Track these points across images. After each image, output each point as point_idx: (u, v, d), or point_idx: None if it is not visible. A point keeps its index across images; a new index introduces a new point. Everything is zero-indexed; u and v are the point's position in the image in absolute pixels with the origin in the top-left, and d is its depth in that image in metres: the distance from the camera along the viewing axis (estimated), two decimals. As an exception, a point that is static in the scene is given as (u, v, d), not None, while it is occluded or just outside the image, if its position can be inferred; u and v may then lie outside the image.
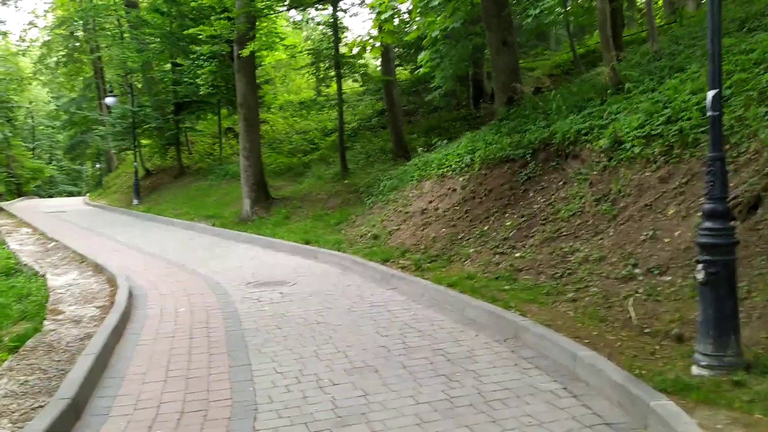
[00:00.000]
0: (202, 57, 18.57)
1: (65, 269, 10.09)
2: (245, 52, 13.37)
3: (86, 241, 13.96)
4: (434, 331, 5.85)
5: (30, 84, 47.00)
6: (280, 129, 26.11)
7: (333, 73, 16.72)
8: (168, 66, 24.45)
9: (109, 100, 23.44)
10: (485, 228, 8.58)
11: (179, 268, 9.92)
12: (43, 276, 9.60)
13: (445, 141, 13.25)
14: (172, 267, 10.02)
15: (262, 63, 26.33)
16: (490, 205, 9.01)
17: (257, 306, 7.13)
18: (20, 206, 27.46)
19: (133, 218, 19.86)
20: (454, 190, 10.13)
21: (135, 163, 24.56)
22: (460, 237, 8.81)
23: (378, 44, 8.92)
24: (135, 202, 23.69)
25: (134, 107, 23.94)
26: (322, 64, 17.01)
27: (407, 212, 10.88)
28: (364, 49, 10.10)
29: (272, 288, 8.12)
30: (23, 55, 43.89)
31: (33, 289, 8.78)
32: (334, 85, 32.03)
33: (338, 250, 10.46)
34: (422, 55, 11.83)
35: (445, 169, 10.99)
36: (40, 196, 50.90)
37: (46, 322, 6.60)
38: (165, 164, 27.97)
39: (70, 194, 53.12)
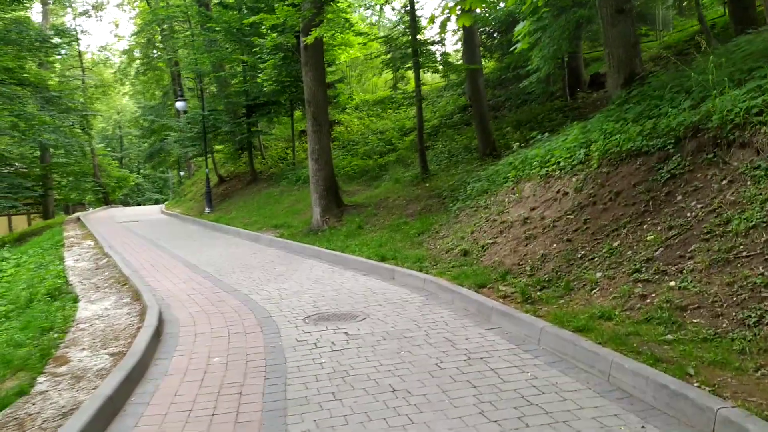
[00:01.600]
0: (265, 50, 17.15)
1: (104, 294, 8.68)
2: (310, 39, 11.71)
3: (143, 256, 12.71)
4: (569, 412, 3.84)
5: (111, 93, 47.86)
6: (355, 130, 24.53)
7: (410, 64, 14.81)
8: (239, 67, 23.35)
9: (179, 105, 22.59)
10: (615, 244, 6.42)
11: (230, 293, 8.30)
12: (77, 302, 8.26)
13: (545, 134, 11.08)
14: (223, 292, 8.41)
15: (336, 61, 24.92)
16: (618, 212, 6.83)
17: (313, 356, 5.31)
18: (98, 216, 27.20)
19: (201, 228, 18.71)
20: (566, 193, 7.99)
21: (206, 170, 23.60)
22: (580, 256, 6.69)
23: (463, 12, 6.91)
24: (207, 210, 22.72)
25: (205, 111, 22.95)
26: (397, 53, 15.04)
27: (504, 222, 8.82)
28: (445, 26, 8.16)
29: (336, 325, 6.29)
30: (104, 64, 44.63)
31: (58, 321, 7.41)
32: (412, 82, 30.27)
33: (420, 270, 8.54)
34: (520, 27, 9.72)
35: (550, 168, 8.86)
36: (128, 204, 51.97)
37: (41, 378, 5.07)
38: (238, 170, 27.01)
39: (157, 202, 53.88)
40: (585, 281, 6.19)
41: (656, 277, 5.52)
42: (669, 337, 4.53)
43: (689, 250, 5.55)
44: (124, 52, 42.22)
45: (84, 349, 5.80)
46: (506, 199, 9.59)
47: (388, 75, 34.10)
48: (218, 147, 28.41)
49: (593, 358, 4.51)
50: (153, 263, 11.56)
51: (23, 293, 10.94)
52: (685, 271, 5.34)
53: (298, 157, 24.43)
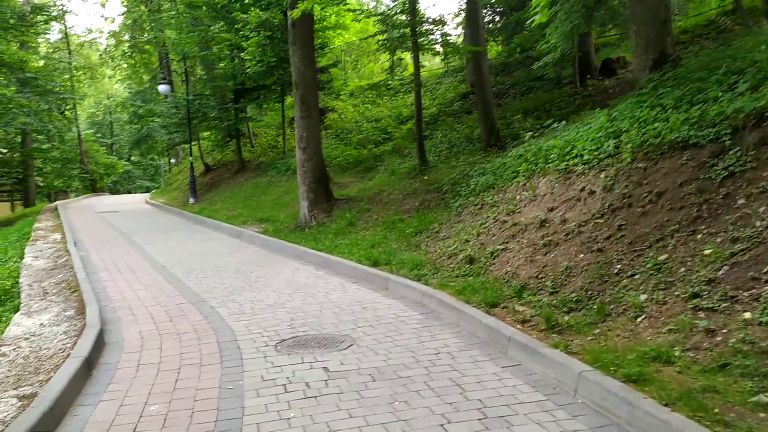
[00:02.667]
0: (249, 28, 15.79)
1: (48, 302, 7.42)
2: (296, 13, 10.40)
3: (110, 253, 11.44)
4: None
5: (100, 77, 46.36)
6: (350, 118, 23.20)
7: (408, 44, 13.50)
8: (227, 49, 21.95)
9: (162, 88, 21.21)
10: (662, 257, 5.19)
11: (195, 304, 7.04)
12: (16, 312, 7.01)
13: (562, 122, 9.82)
14: (187, 303, 7.15)
15: (330, 44, 23.58)
16: (662, 217, 5.60)
17: (279, 405, 4.07)
18: (78, 205, 25.86)
19: (182, 221, 17.42)
20: (592, 192, 6.75)
21: (190, 158, 22.28)
22: (615, 271, 5.45)
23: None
24: (191, 200, 21.44)
25: (189, 95, 21.58)
26: (395, 31, 13.72)
27: (515, 224, 7.58)
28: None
29: (314, 355, 5.05)
30: (90, 47, 43.08)
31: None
32: (410, 68, 28.91)
33: (418, 279, 7.31)
34: (538, -5, 8.42)
35: (571, 161, 7.61)
36: (117, 192, 50.54)
37: None
38: (225, 159, 25.70)
39: (147, 189, 52.39)
40: (626, 305, 4.96)
41: (724, 305, 4.29)
42: (764, 398, 3.30)
43: (765, 270, 4.32)
44: (112, 34, 40.68)
45: (-9, 387, 4.55)
46: (517, 197, 8.35)
47: (385, 62, 32.76)
48: (205, 134, 27.06)
49: (656, 426, 3.28)
50: (118, 263, 10.30)
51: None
52: (763, 299, 4.12)
53: (289, 145, 23.10)
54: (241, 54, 17.52)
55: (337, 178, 16.19)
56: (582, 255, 5.98)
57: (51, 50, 42.78)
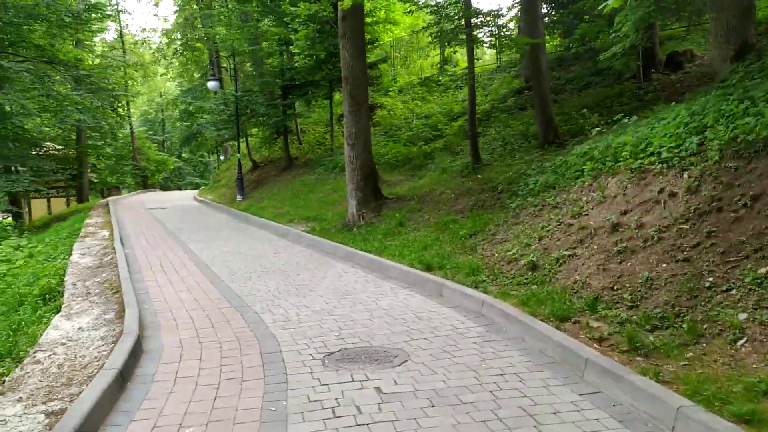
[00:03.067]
0: (298, 21, 15.45)
1: (90, 303, 7.17)
2: (347, 4, 9.94)
3: (155, 251, 11.25)
4: None
5: (153, 76, 47.13)
6: (399, 114, 22.69)
7: (462, 36, 12.89)
8: (276, 45, 21.72)
9: (211, 85, 21.13)
10: (762, 270, 4.52)
11: (239, 309, 6.66)
12: (58, 312, 6.78)
13: (633, 117, 9.07)
14: (230, 307, 6.78)
15: (380, 40, 23.14)
16: (760, 224, 4.92)
17: (329, 430, 3.62)
18: (129, 201, 26.13)
19: (228, 218, 17.24)
20: (673, 194, 6.07)
21: (238, 155, 22.16)
22: (707, 285, 4.80)
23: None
24: (239, 198, 21.32)
25: (237, 92, 21.45)
26: (446, 24, 13.16)
27: (583, 227, 6.94)
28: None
29: (365, 372, 4.58)
30: (143, 46, 43.79)
31: (20, 344, 5.93)
32: (461, 64, 28.25)
33: (475, 286, 6.77)
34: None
35: (646, 160, 6.92)
36: (168, 188, 51.39)
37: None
38: (273, 155, 25.53)
39: (197, 186, 53.14)
40: (722, 325, 4.31)
41: None
42: None
43: None
44: (164, 33, 41.22)
45: (20, 400, 4.22)
46: (583, 198, 7.70)
47: (435, 58, 32.17)
48: (253, 131, 26.99)
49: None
50: (162, 261, 10.06)
51: (21, 291, 9.64)
52: None
53: (337, 142, 22.76)
54: (290, 48, 17.20)
55: (386, 176, 15.72)
56: (665, 265, 5.33)
57: (107, 49, 43.71)
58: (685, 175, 6.07)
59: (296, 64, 17.13)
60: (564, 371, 4.41)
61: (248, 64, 24.78)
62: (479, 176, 12.53)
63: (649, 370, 3.98)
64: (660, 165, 6.58)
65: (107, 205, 23.03)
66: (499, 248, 8.12)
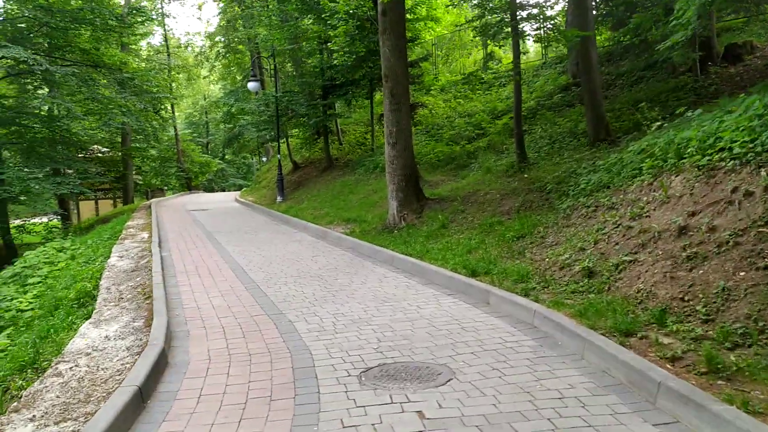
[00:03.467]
0: (337, 17, 15.10)
1: (121, 309, 6.92)
2: (387, -4, 9.53)
3: (192, 254, 11.05)
4: None
5: (197, 78, 47.69)
6: (441, 113, 22.18)
7: (508, 29, 12.32)
8: (315, 44, 21.47)
9: (251, 85, 21.00)
10: None
11: (272, 317, 6.30)
12: (86, 322, 6.54)
13: (698, 110, 8.38)
14: (263, 314, 6.43)
15: (421, 38, 22.67)
16: None
17: (363, 466, 3.19)
18: (172, 203, 26.30)
19: (268, 220, 17.02)
20: (749, 194, 5.44)
21: (278, 156, 21.99)
22: (797, 297, 4.19)
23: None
24: (279, 199, 21.14)
25: (278, 92, 21.27)
26: (492, 18, 12.62)
27: (644, 230, 6.35)
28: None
29: (405, 392, 4.13)
30: (186, 48, 44.33)
31: (46, 351, 5.70)
32: (505, 60, 27.55)
33: (525, 294, 6.25)
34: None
35: (715, 156, 6.28)
36: (212, 190, 51.93)
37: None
38: (313, 156, 25.33)
39: (240, 187, 53.63)
40: (820, 345, 3.72)
41: None
42: None
43: None
44: (207, 36, 41.64)
45: (32, 419, 3.92)
46: (643, 198, 7.09)
47: (477, 55, 31.53)
48: (293, 131, 26.86)
49: None
50: (198, 264, 9.81)
51: (59, 294, 9.56)
52: None
53: (377, 141, 22.39)
54: (329, 44, 16.87)
55: (428, 176, 15.25)
56: (743, 273, 4.73)
57: (152, 53, 44.40)
58: (763, 173, 5.43)
59: (335, 62, 16.77)
60: (633, 396, 3.88)
61: (288, 65, 24.64)
62: (526, 176, 11.96)
63: (736, 397, 3.42)
64: (732, 161, 5.94)
65: (150, 207, 23.17)
66: (550, 252, 7.57)
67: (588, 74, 13.29)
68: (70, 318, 7.57)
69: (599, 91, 13.33)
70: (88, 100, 23.20)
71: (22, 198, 21.62)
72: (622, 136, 12.48)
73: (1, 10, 21.70)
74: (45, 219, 21.77)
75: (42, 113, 21.93)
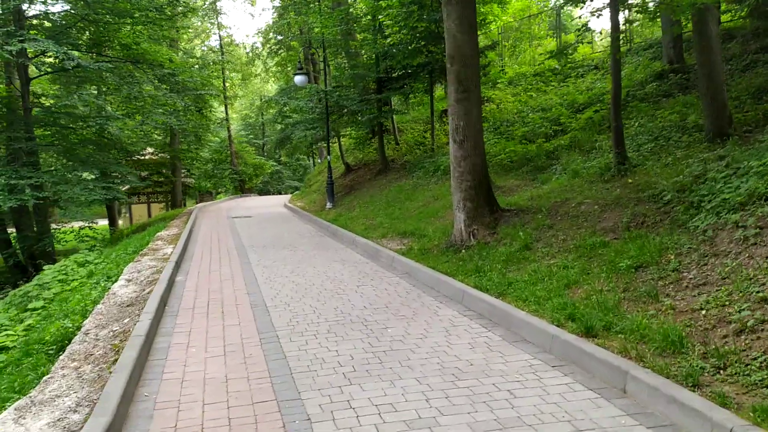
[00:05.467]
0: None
1: (72, 381, 4.84)
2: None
3: (209, 280, 8.99)
4: None
5: (251, 78, 46.48)
6: (510, 109, 19.61)
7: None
8: (370, 35, 19.27)
9: (298, 79, 18.98)
10: None
11: (283, 409, 4.08)
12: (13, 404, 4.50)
13: None
14: (271, 403, 4.21)
15: (486, 21, 20.19)
16: None
17: None
18: (217, 207, 24.69)
19: (313, 231, 14.90)
20: None
21: (328, 157, 19.92)
22: None
23: None
24: (328, 205, 19.08)
25: (327, 87, 19.20)
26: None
27: None
28: None
29: None
30: (243, 48, 43.10)
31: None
32: (581, 50, 24.67)
33: (691, 383, 3.81)
34: None
35: None
36: (268, 193, 50.63)
37: None
38: (367, 158, 23.17)
39: (296, 189, 52.23)
40: None
41: None
42: None
43: None
44: (260, 33, 40.23)
45: None
46: None
47: (549, 45, 28.69)
48: (347, 131, 24.81)
49: None
50: (213, 296, 7.71)
51: (42, 333, 7.66)
52: None
53: (438, 141, 20.03)
54: (380, 18, 14.60)
55: (500, 181, 12.82)
56: None
57: (207, 51, 43.37)
58: None
59: (389, 40, 14.49)
60: None
61: (340, 57, 22.58)
62: (629, 181, 9.40)
63: None
64: None
65: (191, 213, 21.53)
66: (704, 299, 5.08)
67: (706, 54, 10.56)
68: (29, 377, 5.61)
69: (720, 76, 10.59)
70: (128, 99, 21.75)
71: (60, 204, 20.35)
72: (753, 130, 9.80)
73: (40, 5, 20.40)
74: (91, 223, 20.43)
75: (77, 112, 20.55)
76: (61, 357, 5.56)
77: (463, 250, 9.15)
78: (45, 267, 14.09)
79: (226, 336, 5.86)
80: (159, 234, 15.20)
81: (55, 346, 6.64)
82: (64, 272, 13.21)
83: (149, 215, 36.12)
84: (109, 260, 13.50)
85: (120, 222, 42.07)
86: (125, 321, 6.56)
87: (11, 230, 22.61)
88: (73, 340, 6.12)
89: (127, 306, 7.39)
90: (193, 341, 5.72)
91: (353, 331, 5.82)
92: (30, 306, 10.39)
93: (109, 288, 8.91)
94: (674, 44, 16.08)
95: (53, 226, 22.51)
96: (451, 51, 9.65)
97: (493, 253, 8.46)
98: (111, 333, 6.17)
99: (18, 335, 8.69)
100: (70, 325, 6.95)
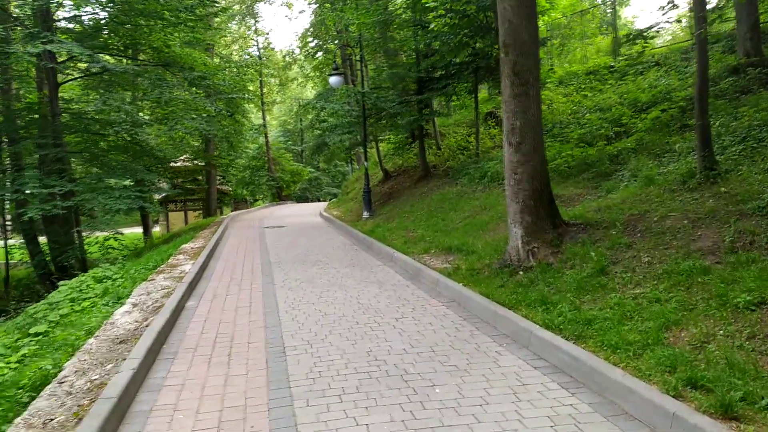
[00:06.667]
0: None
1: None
2: None
3: (224, 307, 7.74)
4: None
5: (290, 84, 45.71)
6: (562, 110, 18.01)
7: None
8: (410, 31, 17.91)
9: (332, 80, 17.75)
10: None
11: None
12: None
13: None
14: None
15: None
16: None
17: None
18: (249, 216, 23.68)
19: (348, 245, 13.57)
20: None
21: (365, 163, 18.63)
22: None
23: None
24: (365, 215, 17.78)
25: (364, 88, 17.94)
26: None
27: None
28: None
29: None
30: (275, 49, 42.31)
31: None
32: (636, 48, 22.89)
33: None
34: None
35: None
36: (307, 200, 49.72)
37: None
38: (407, 164, 21.81)
39: (335, 196, 51.24)
40: None
41: None
42: None
43: None
44: (299, 37, 39.42)
45: None
46: None
47: (601, 43, 26.98)
48: (388, 135, 23.51)
49: None
50: (222, 330, 6.45)
51: (23, 373, 6.50)
52: None
53: (483, 145, 18.56)
54: (422, 1, 13.21)
55: (557, 189, 11.28)
56: None
57: (244, 56, 42.75)
58: None
59: (432, 26, 13.06)
60: None
61: (378, 55, 21.29)
62: (723, 189, 7.83)
63: None
64: None
65: (221, 222, 20.51)
66: None
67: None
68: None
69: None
70: (158, 104, 20.89)
71: (86, 213, 19.56)
72: None
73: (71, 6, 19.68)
74: (116, 233, 19.57)
75: (106, 118, 19.74)
76: (17, 420, 4.36)
77: (521, 272, 7.71)
78: (60, 283, 13.10)
79: (227, 394, 4.56)
80: (182, 247, 14.13)
81: (30, 393, 5.47)
82: (79, 289, 12.19)
83: (185, 222, 35.50)
84: (128, 276, 12.44)
85: (158, 229, 41.64)
86: (109, 367, 5.32)
87: (42, 239, 22.04)
88: (42, 392, 4.93)
89: (120, 343, 6.17)
90: (184, 402, 4.44)
91: (390, 391, 4.45)
92: (32, 330, 9.32)
93: (112, 314, 7.77)
94: (752, 35, 14.33)
95: (85, 234, 21.81)
96: (506, 38, 8.23)
97: (560, 277, 7.00)
98: (88, 384, 4.94)
99: (10, 368, 7.58)
100: (50, 367, 5.78)
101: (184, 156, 30.83)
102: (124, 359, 5.35)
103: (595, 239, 7.74)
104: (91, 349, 6.10)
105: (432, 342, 5.65)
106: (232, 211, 31.43)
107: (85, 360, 5.72)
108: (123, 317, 7.38)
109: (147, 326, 6.60)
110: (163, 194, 29.32)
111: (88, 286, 12.45)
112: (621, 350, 4.69)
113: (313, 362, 5.19)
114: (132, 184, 22.58)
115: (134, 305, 8.06)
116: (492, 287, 7.35)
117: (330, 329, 6.26)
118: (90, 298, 11.20)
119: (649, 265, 6.57)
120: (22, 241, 22.05)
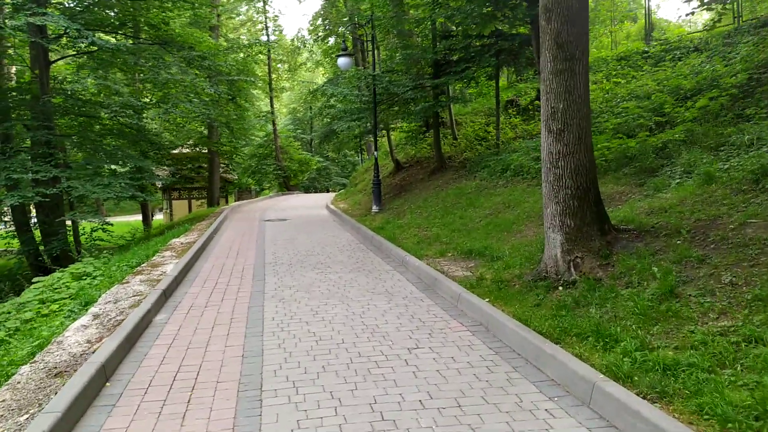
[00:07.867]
0: None
1: None
2: None
3: (200, 326, 6.39)
4: None
5: (300, 71, 44.29)
6: (593, 98, 16.50)
7: None
8: (426, 12, 16.41)
9: (341, 62, 16.32)
10: None
11: None
12: None
13: None
14: None
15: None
16: None
17: None
18: (251, 207, 22.35)
19: (354, 243, 12.17)
20: None
21: (375, 153, 17.22)
22: None
23: None
24: (374, 208, 16.39)
25: (375, 71, 16.49)
26: None
27: None
28: None
29: None
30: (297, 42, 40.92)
31: None
32: (669, 30, 21.30)
33: None
34: None
35: None
36: (315, 189, 48.34)
37: None
38: (420, 154, 20.38)
39: (344, 186, 49.85)
40: None
41: None
42: None
43: None
44: (309, 21, 37.95)
45: None
46: None
47: (632, 28, 25.36)
48: (401, 124, 22.10)
49: None
50: (187, 364, 5.08)
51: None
52: None
53: (504, 136, 17.09)
54: None
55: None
56: None
57: (255, 34, 41.34)
58: None
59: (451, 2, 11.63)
60: None
61: (391, 35, 19.82)
62: (811, 191, 6.35)
63: None
64: None
65: (220, 214, 19.20)
66: None
67: None
68: None
69: None
70: (155, 85, 19.55)
71: (72, 200, 18.27)
72: None
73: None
74: (104, 224, 18.25)
75: (98, 99, 18.44)
76: None
77: (560, 288, 6.30)
78: (34, 280, 11.81)
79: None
80: (172, 242, 12.81)
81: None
82: (53, 287, 10.88)
83: (189, 211, 34.29)
84: (108, 273, 11.11)
85: (161, 217, 40.39)
86: (22, 419, 3.97)
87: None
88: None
89: (56, 375, 4.83)
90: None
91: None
92: (-13, 337, 8.01)
93: (66, 328, 6.45)
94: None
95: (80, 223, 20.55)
96: (547, 1, 6.77)
97: (613, 298, 5.58)
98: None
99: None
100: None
101: (189, 142, 29.49)
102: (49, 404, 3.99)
103: (654, 249, 6.31)
104: (18, 383, 4.77)
105: (457, 389, 4.26)
106: (235, 201, 30.11)
107: (8, 397, 4.39)
108: (75, 334, 6.04)
109: (93, 350, 5.25)
110: (162, 182, 28.05)
111: (64, 284, 11.14)
112: (733, 424, 3.29)
113: (296, 421, 3.80)
114: (127, 171, 21.32)
115: (95, 317, 6.74)
116: (526, 306, 5.96)
117: (324, 363, 4.87)
118: (62, 299, 9.87)
119: (732, 286, 5.13)
120: (12, 229, 20.84)
